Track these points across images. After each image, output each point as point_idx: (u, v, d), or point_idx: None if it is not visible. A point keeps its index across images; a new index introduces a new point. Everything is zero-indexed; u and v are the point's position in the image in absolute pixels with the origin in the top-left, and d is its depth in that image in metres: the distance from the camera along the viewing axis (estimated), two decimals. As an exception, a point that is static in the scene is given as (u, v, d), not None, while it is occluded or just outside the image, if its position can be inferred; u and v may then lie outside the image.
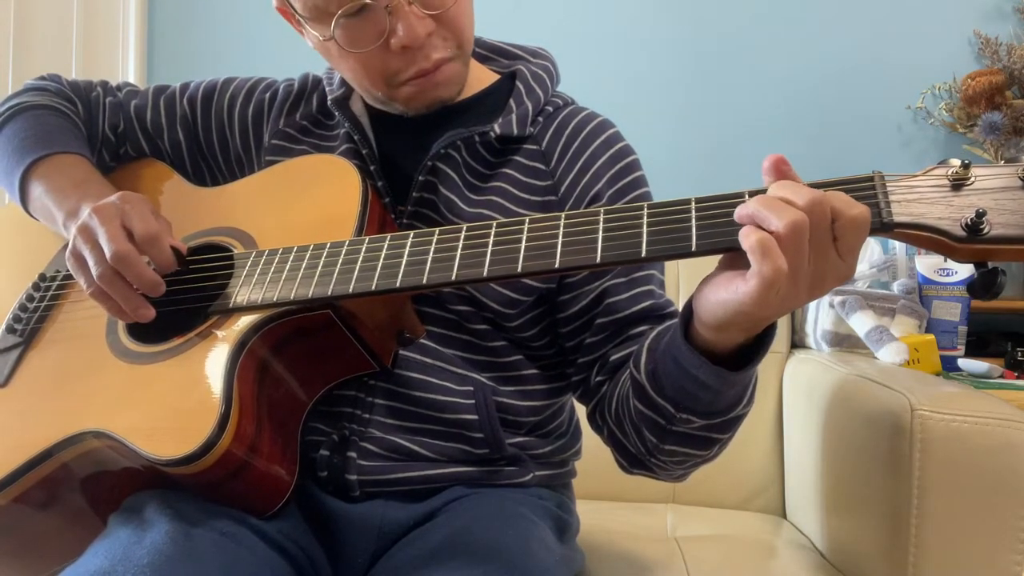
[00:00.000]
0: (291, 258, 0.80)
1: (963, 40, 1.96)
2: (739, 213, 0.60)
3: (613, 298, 0.86)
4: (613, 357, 0.85)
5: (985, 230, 0.56)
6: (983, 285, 0.58)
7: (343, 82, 0.96)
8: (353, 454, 0.85)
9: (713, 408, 0.71)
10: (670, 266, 1.51)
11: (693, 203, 0.64)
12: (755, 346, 0.67)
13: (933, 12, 1.97)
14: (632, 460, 0.84)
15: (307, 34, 0.87)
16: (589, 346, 0.88)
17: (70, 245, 0.81)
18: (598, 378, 0.86)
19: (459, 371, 0.88)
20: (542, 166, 0.91)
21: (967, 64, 1.94)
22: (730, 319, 0.62)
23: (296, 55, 1.35)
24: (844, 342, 1.48)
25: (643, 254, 0.63)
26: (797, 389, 1.45)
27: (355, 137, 0.92)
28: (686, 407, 0.71)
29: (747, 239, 0.57)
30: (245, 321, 0.78)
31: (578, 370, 0.90)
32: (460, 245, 0.71)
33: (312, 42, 0.87)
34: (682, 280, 1.60)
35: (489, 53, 1.01)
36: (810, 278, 0.59)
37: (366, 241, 0.77)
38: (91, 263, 0.79)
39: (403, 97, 0.87)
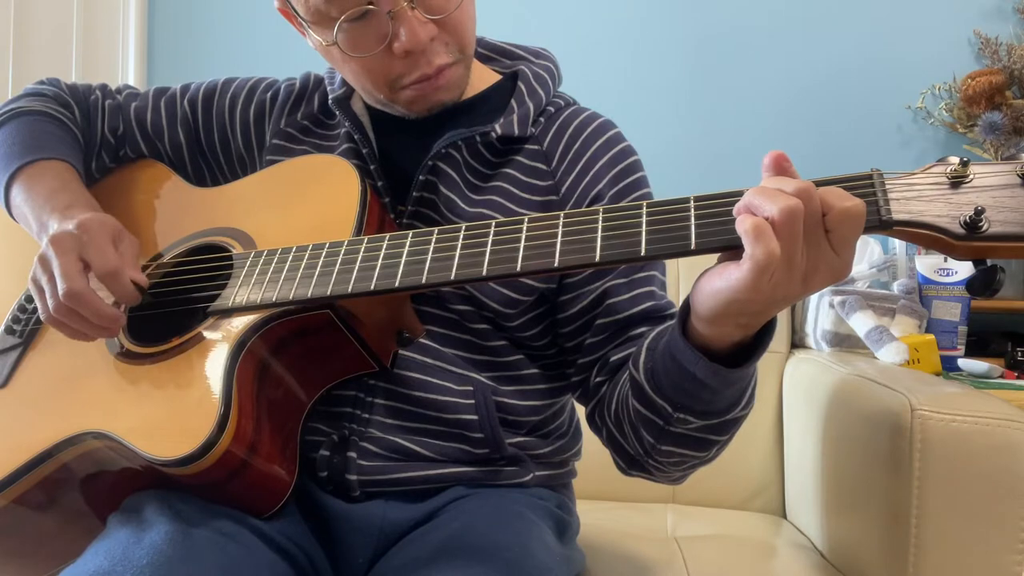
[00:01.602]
0: (290, 258, 0.79)
1: (963, 40, 1.96)
2: (736, 207, 0.60)
3: (613, 299, 0.86)
4: (613, 358, 0.85)
5: (984, 227, 0.56)
6: (982, 282, 0.58)
7: (344, 82, 0.96)
8: (353, 454, 0.85)
9: (711, 408, 0.71)
10: (670, 266, 1.51)
11: (692, 202, 0.64)
12: (753, 345, 0.67)
13: (933, 12, 1.97)
14: (630, 461, 0.84)
15: (309, 37, 0.86)
16: (589, 347, 0.88)
17: (31, 271, 0.82)
18: (598, 379, 0.86)
19: (459, 371, 0.88)
20: (543, 166, 0.91)
21: (967, 64, 1.94)
22: (724, 308, 0.62)
23: (296, 55, 1.36)
24: (844, 342, 1.48)
25: (642, 253, 0.63)
26: (797, 389, 1.45)
27: (355, 137, 0.92)
28: (684, 407, 0.71)
29: (742, 224, 0.57)
30: (244, 321, 0.78)
31: (578, 371, 0.90)
32: (459, 244, 0.71)
33: (314, 44, 0.87)
34: (682, 280, 1.60)
35: (491, 53, 1.01)
36: (803, 268, 0.59)
37: (365, 241, 0.77)
38: (47, 294, 0.80)
39: (405, 100, 0.86)
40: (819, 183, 0.60)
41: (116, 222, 0.85)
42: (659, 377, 0.72)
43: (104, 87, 1.06)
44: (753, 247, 0.57)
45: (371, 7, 0.79)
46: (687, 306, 0.67)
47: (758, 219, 0.57)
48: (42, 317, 0.81)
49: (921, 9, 1.97)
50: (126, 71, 2.20)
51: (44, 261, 0.81)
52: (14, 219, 0.94)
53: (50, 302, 0.80)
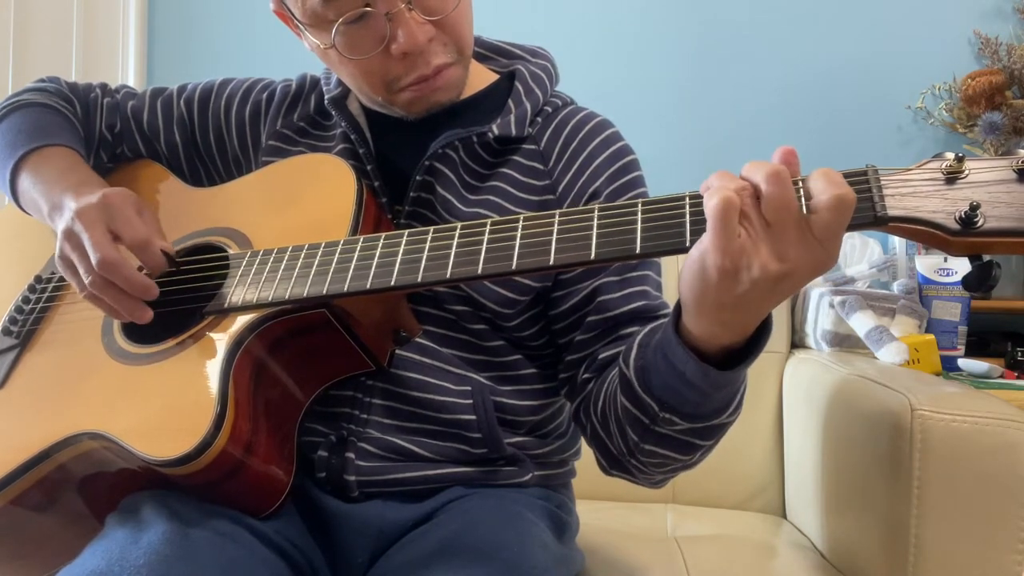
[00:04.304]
0: (286, 258, 0.79)
1: (963, 40, 1.95)
2: (702, 187, 0.61)
3: (605, 296, 0.86)
4: (602, 355, 0.84)
5: (979, 223, 0.55)
6: (978, 278, 0.57)
7: (340, 81, 0.96)
8: (351, 455, 0.84)
9: (697, 411, 0.70)
10: (669, 267, 1.50)
11: (687, 199, 0.64)
12: (744, 351, 0.66)
13: (933, 12, 1.96)
14: (612, 461, 0.83)
15: (306, 39, 0.86)
16: (579, 344, 0.87)
17: (58, 249, 0.82)
18: (585, 375, 0.86)
19: (457, 371, 0.88)
20: (540, 166, 0.91)
21: (967, 64, 1.93)
22: (700, 291, 0.61)
23: (294, 57, 1.35)
24: (844, 342, 1.48)
25: (637, 250, 0.63)
26: (797, 389, 1.45)
27: (352, 137, 0.92)
28: (670, 407, 0.70)
29: (706, 204, 0.58)
30: (241, 321, 0.78)
31: (566, 367, 0.89)
32: (455, 243, 0.71)
33: (311, 47, 0.87)
34: (682, 280, 1.60)
35: (488, 52, 1.01)
36: (774, 256, 0.58)
37: (361, 240, 0.77)
38: (81, 270, 0.80)
39: (403, 102, 0.86)
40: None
41: (135, 195, 0.86)
42: (649, 375, 0.71)
43: (104, 86, 1.06)
44: (706, 200, 0.58)
45: (368, 9, 0.79)
46: (679, 303, 0.67)
47: (715, 202, 0.57)
48: (79, 293, 0.82)
49: (921, 9, 1.97)
50: (126, 71, 2.20)
51: (71, 235, 0.81)
52: (20, 207, 0.94)
53: (85, 276, 0.80)
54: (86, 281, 0.80)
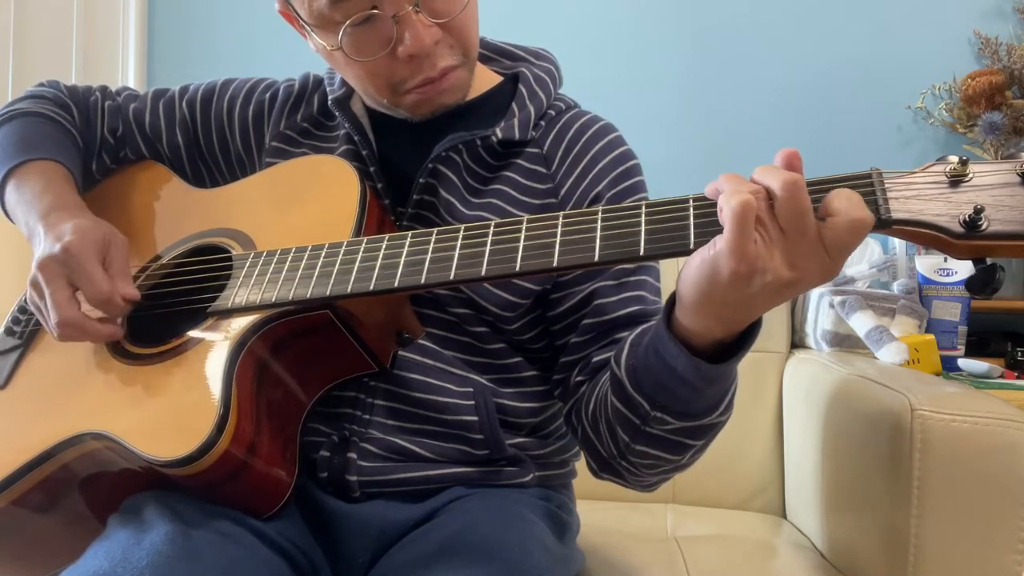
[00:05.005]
0: (289, 259, 0.79)
1: (963, 40, 1.95)
2: (708, 188, 0.62)
3: (601, 300, 0.86)
4: (595, 359, 0.84)
5: (983, 226, 0.55)
6: (982, 281, 0.57)
7: (343, 82, 0.96)
8: (353, 455, 0.85)
9: (688, 409, 0.70)
10: (669, 270, 1.51)
11: (691, 202, 0.64)
12: (735, 346, 0.67)
13: (933, 12, 1.97)
14: (602, 463, 0.82)
15: (311, 40, 0.86)
16: (573, 346, 0.87)
17: (27, 294, 0.84)
18: (578, 378, 0.86)
19: (459, 373, 0.88)
20: (543, 169, 0.91)
21: (967, 64, 1.94)
22: (707, 289, 0.61)
23: (297, 56, 1.35)
24: (844, 342, 1.48)
25: (641, 253, 0.63)
26: (797, 389, 1.45)
27: (355, 138, 0.92)
28: (662, 405, 0.70)
29: (722, 207, 0.59)
30: (244, 322, 0.78)
31: (560, 369, 0.89)
32: (458, 245, 0.71)
33: (316, 48, 0.87)
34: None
35: (492, 54, 1.01)
36: (786, 262, 0.58)
37: (364, 241, 0.77)
38: (44, 316, 0.82)
39: (408, 104, 0.86)
40: (819, 182, 0.60)
41: (102, 230, 0.84)
42: (640, 373, 0.71)
43: (104, 88, 1.06)
44: (722, 202, 0.58)
45: (375, 11, 0.78)
46: (672, 299, 0.67)
47: (734, 204, 0.57)
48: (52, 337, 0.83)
49: (921, 9, 1.97)
50: (126, 72, 2.20)
51: (36, 286, 0.82)
52: (13, 222, 0.94)
53: (49, 325, 0.82)
54: (52, 331, 0.82)
